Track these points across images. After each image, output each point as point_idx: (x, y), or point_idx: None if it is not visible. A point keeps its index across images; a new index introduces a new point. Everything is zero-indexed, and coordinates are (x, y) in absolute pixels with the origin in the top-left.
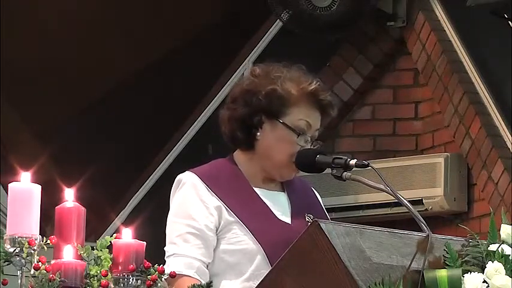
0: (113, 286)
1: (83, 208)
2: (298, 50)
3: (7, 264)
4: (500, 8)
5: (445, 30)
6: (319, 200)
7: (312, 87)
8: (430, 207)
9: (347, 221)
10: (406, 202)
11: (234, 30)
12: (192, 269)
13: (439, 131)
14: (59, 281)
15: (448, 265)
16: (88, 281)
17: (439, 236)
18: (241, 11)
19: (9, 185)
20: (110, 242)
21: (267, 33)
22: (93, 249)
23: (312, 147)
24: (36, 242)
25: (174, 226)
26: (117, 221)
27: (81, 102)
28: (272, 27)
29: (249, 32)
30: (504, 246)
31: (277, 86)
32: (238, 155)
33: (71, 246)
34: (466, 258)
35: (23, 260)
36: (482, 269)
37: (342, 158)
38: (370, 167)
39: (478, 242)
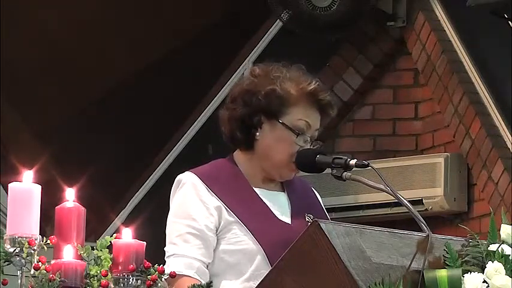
0: (113, 286)
1: (83, 208)
2: (298, 50)
3: (7, 264)
4: (500, 8)
5: (445, 30)
6: (319, 200)
7: (311, 87)
8: (430, 207)
9: (347, 221)
10: (406, 202)
11: (234, 30)
12: (192, 269)
13: (439, 131)
14: (59, 281)
15: (448, 265)
16: (88, 281)
17: (439, 236)
18: (241, 11)
19: (9, 185)
20: (110, 242)
21: (267, 33)
22: (93, 249)
23: (311, 147)
24: (36, 242)
25: (174, 226)
26: (117, 221)
27: (81, 102)
28: (272, 27)
29: (249, 32)
30: (504, 246)
31: (276, 86)
32: (238, 155)
33: (71, 246)
34: (466, 258)
35: (23, 260)
36: (482, 269)
37: (342, 158)
38: (370, 167)
39: (478, 242)
